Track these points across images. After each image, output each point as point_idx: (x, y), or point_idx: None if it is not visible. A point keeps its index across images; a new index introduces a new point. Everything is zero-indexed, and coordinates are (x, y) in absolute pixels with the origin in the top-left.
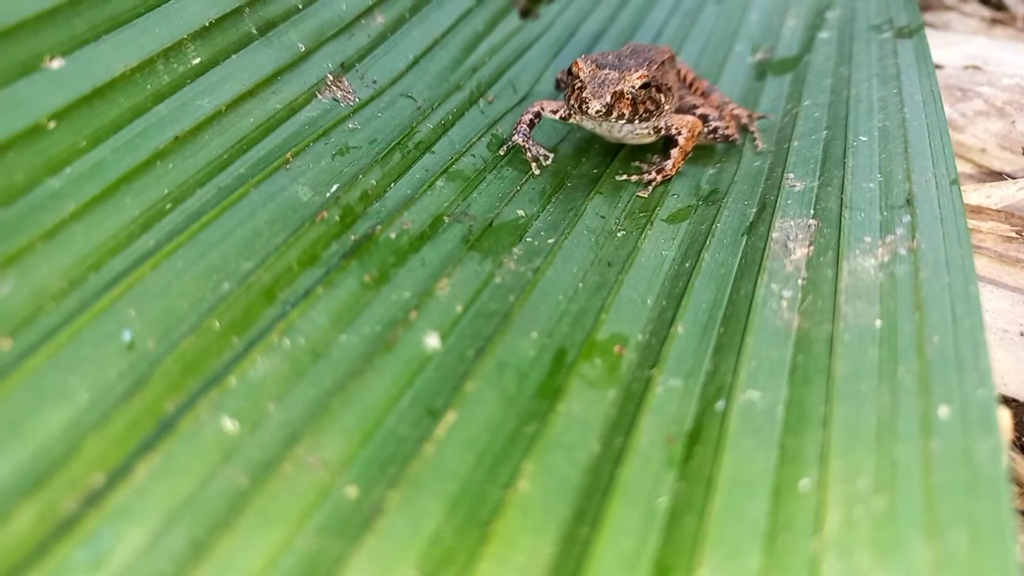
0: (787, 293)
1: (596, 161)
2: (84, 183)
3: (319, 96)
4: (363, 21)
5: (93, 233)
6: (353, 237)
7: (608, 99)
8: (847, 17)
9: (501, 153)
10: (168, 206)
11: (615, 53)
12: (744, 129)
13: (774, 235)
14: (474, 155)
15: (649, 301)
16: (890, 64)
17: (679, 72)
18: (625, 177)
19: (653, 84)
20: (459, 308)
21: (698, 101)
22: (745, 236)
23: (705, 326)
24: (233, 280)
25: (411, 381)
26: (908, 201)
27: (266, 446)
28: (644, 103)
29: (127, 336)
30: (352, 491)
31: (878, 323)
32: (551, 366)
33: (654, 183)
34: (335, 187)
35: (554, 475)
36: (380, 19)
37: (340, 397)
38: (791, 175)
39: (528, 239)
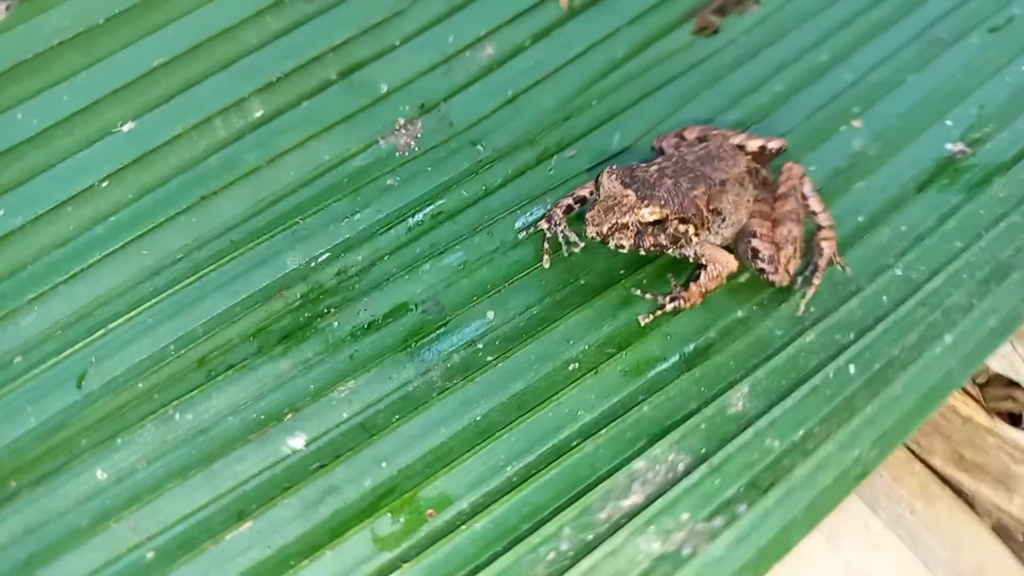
0: (564, 546)
1: (631, 260)
2: (122, 229)
3: (380, 142)
4: (468, 53)
5: (110, 277)
6: (304, 317)
7: (604, 229)
8: None
9: (521, 237)
10: (180, 256)
11: (671, 161)
12: (808, 273)
13: (638, 464)
14: (491, 233)
15: (509, 469)
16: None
17: (764, 182)
18: (639, 292)
19: (676, 218)
20: (344, 415)
21: (762, 228)
22: (645, 441)
23: (500, 536)
24: (180, 343)
25: (251, 479)
26: (772, 484)
27: (115, 498)
28: (653, 237)
29: (80, 378)
30: (150, 555)
31: None
32: (367, 506)
33: (662, 310)
34: (324, 257)
35: None
36: (489, 50)
37: (190, 476)
38: (744, 389)
39: (478, 346)
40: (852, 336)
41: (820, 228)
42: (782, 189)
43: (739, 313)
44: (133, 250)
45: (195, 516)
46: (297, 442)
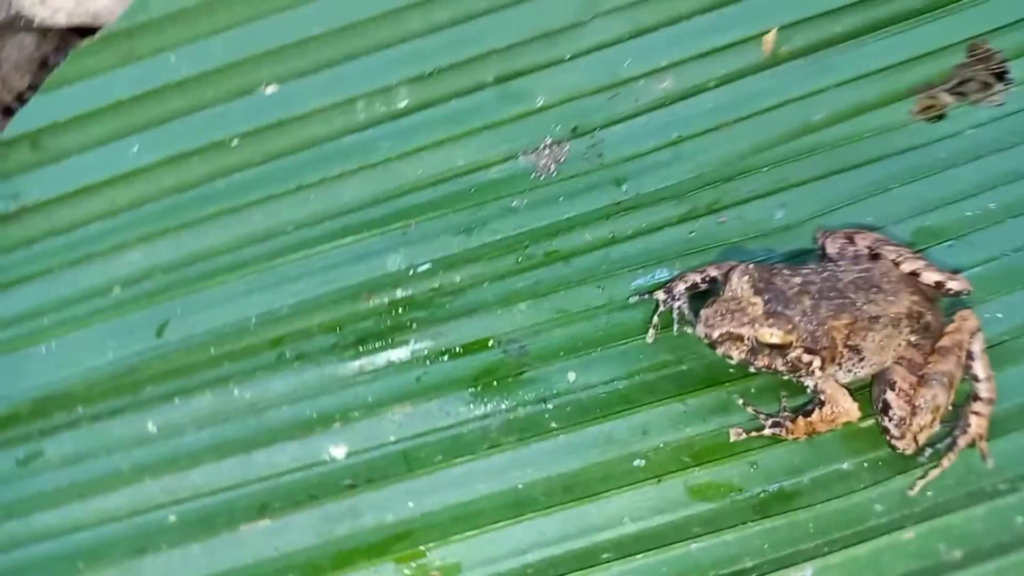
0: None
1: None
2: (242, 189)
3: (520, 158)
4: (641, 82)
5: (218, 233)
6: (385, 324)
7: (716, 334)
8: None
9: (632, 300)
10: (290, 229)
11: (821, 275)
12: (942, 446)
13: None
14: (602, 287)
15: (530, 557)
16: None
17: (927, 327)
18: (741, 402)
19: (802, 346)
20: (391, 438)
21: (903, 382)
22: None
23: None
24: (262, 318)
25: (284, 475)
26: None
27: (158, 454)
28: (769, 359)
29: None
30: (172, 519)
31: None
32: (380, 543)
33: (759, 432)
34: (424, 267)
35: None
36: (667, 83)
37: (229, 455)
38: (807, 573)
39: (547, 406)
40: (959, 555)
41: (976, 398)
42: (945, 342)
43: (844, 465)
44: (247, 213)
45: (222, 495)
46: (338, 452)
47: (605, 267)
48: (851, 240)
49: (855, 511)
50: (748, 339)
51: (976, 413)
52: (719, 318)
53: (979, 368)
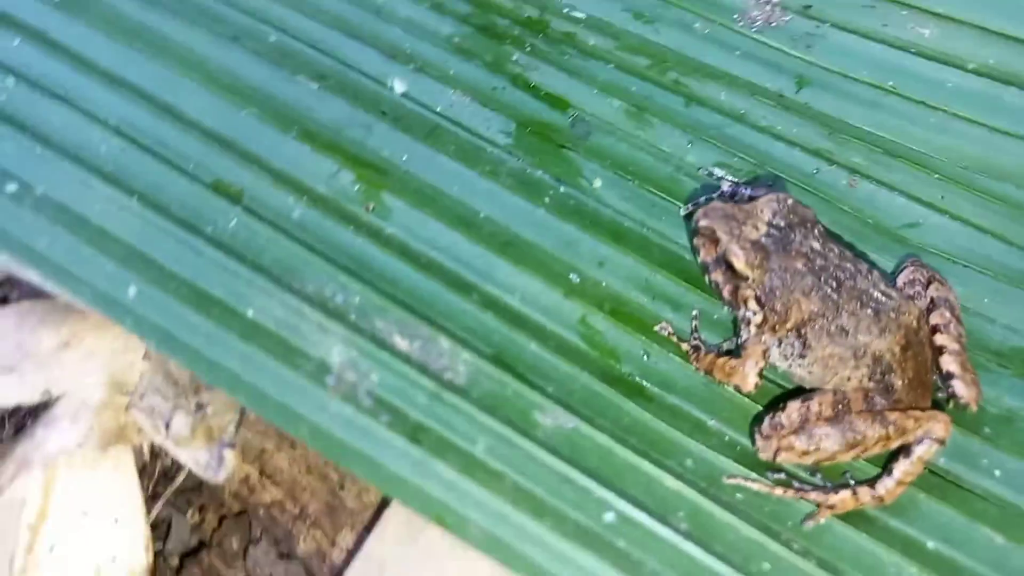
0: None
1: None
2: None
3: None
4: (904, 13)
5: None
6: (512, 33)
7: (702, 223)
8: None
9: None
10: None
11: (846, 269)
12: (794, 483)
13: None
14: (690, 144)
15: (435, 254)
16: None
17: (888, 388)
18: (696, 312)
19: (752, 289)
20: (438, 108)
21: (819, 405)
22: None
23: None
24: None
25: (346, 69)
26: None
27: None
28: (722, 275)
29: None
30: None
31: None
32: (363, 160)
33: (679, 340)
34: (581, 15)
35: None
36: (929, 31)
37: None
38: (559, 417)
39: (558, 190)
40: (685, 527)
41: (869, 483)
42: (892, 416)
43: (711, 421)
44: None
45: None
46: (399, 86)
47: (725, 147)
48: (927, 284)
49: (671, 447)
50: (720, 247)
51: (854, 492)
52: (718, 213)
53: (899, 468)
